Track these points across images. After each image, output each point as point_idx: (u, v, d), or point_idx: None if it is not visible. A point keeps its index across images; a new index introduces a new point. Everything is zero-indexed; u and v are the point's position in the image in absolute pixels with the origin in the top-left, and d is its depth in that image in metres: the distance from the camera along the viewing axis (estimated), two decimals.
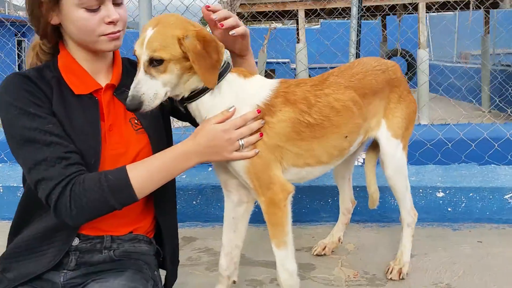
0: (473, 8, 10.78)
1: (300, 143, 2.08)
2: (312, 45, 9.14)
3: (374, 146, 2.66)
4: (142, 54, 1.75)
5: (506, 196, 3.39)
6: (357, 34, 5.50)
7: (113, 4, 1.77)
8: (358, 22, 5.45)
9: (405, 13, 11.46)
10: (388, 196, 3.47)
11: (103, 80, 1.90)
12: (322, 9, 10.14)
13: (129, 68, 1.98)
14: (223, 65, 1.91)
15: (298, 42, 10.73)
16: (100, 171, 1.71)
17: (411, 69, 12.55)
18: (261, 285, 2.70)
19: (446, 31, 15.96)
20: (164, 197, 1.99)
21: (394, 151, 2.52)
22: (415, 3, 10.20)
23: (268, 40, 11.48)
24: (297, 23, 11.43)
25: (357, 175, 3.23)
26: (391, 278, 2.70)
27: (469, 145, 3.68)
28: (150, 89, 1.74)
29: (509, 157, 3.66)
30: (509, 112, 4.46)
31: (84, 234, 1.84)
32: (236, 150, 1.89)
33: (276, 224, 2.06)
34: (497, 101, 5.96)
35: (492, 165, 3.63)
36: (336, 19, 14.04)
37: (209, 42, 1.78)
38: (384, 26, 14.02)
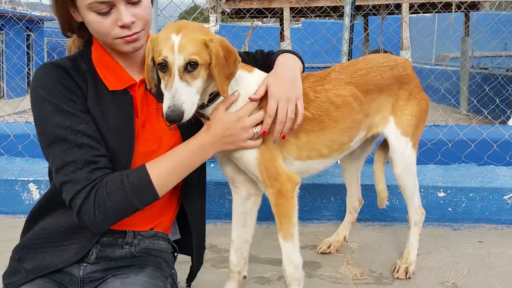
0: (454, 10, 10.91)
1: (299, 135, 2.10)
2: (294, 43, 9.15)
3: (384, 144, 2.67)
4: (176, 59, 1.64)
5: (506, 197, 3.44)
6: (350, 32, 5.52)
7: (129, 3, 1.68)
8: (350, 21, 5.48)
9: (385, 13, 11.54)
10: (390, 195, 3.47)
11: (137, 74, 1.85)
12: (306, 8, 10.14)
13: None
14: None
15: (281, 41, 10.71)
16: (121, 172, 1.66)
17: None
18: (268, 282, 2.70)
19: (425, 33, 16.15)
20: (191, 182, 1.96)
21: (403, 149, 2.52)
22: (398, 3, 10.27)
23: (249, 38, 11.46)
24: (280, 21, 11.42)
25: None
26: (397, 277, 2.72)
27: (468, 146, 3.71)
28: (189, 97, 1.65)
29: (507, 158, 3.70)
30: (486, 114, 4.58)
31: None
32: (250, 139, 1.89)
33: (284, 216, 2.07)
34: (475, 103, 6.08)
35: (491, 165, 3.68)
36: (319, 18, 14.10)
37: (230, 53, 1.76)
38: (366, 26, 14.12)
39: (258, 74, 2.04)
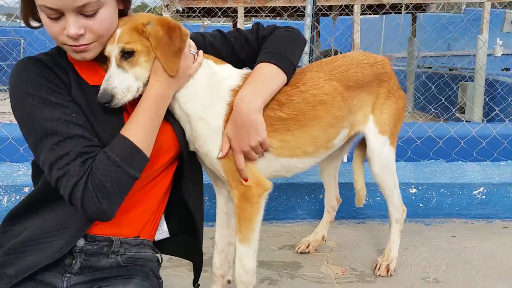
0: (403, 11, 11.17)
1: (273, 134, 2.04)
2: None
3: (363, 142, 2.65)
4: (113, 49, 1.66)
5: (475, 192, 3.51)
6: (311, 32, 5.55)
7: (81, 14, 1.56)
8: (312, 21, 5.50)
9: (336, 13, 11.69)
10: None
11: None
12: (261, 8, 10.13)
13: None
14: (196, 51, 1.85)
15: None
16: (102, 150, 1.58)
17: None
18: None
19: (372, 34, 16.51)
20: (192, 182, 1.91)
21: (381, 148, 2.51)
22: (350, 4, 10.41)
23: None
24: (233, 21, 11.37)
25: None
26: (379, 275, 2.72)
27: (436, 143, 3.77)
28: (122, 82, 1.65)
29: (474, 154, 3.78)
30: (431, 111, 4.70)
31: (91, 235, 1.71)
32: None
33: (244, 219, 2.01)
34: (420, 101, 6.24)
35: (460, 161, 3.75)
36: (269, 18, 14.15)
37: (173, 29, 1.71)
38: (317, 26, 14.24)
39: (226, 67, 1.99)
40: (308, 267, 2.86)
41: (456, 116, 8.93)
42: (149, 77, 1.70)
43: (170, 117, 1.82)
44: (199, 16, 11.16)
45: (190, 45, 1.82)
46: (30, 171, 3.29)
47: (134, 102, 1.72)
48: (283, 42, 2.02)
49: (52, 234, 1.66)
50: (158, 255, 1.93)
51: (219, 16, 11.99)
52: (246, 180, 1.94)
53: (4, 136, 3.57)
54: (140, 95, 1.70)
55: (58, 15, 1.54)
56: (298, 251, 3.01)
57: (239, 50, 2.05)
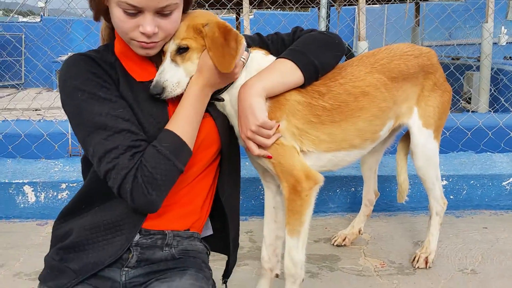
0: (406, 0, 11.14)
1: (320, 127, 2.06)
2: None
3: (407, 135, 2.68)
4: (170, 44, 1.73)
5: (504, 183, 3.54)
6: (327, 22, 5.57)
7: (158, 13, 1.62)
8: (327, 12, 5.52)
9: (341, 4, 11.65)
10: (394, 184, 3.53)
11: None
12: None
13: None
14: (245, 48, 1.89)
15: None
16: (151, 144, 1.62)
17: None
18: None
19: (375, 24, 16.49)
20: (228, 177, 1.93)
21: (424, 141, 2.53)
22: None
23: None
24: (238, 13, 11.36)
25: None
26: (418, 267, 2.76)
27: (464, 134, 3.80)
28: (174, 76, 1.71)
29: (502, 145, 3.81)
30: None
31: (145, 229, 1.75)
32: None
33: (294, 212, 2.03)
34: None
35: (488, 153, 3.78)
36: (269, 10, 14.14)
37: (229, 31, 1.76)
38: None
39: (272, 58, 2.00)
40: (346, 260, 2.90)
41: (462, 106, 8.96)
42: None
43: (213, 111, 1.84)
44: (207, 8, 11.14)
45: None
46: (66, 167, 3.36)
47: (178, 96, 1.76)
48: (310, 42, 2.03)
49: (110, 232, 1.71)
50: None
51: (223, 9, 11.95)
52: (270, 157, 1.94)
53: (38, 133, 3.60)
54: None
55: (136, 11, 1.59)
56: (335, 244, 3.06)
57: (275, 53, 2.07)
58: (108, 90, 1.63)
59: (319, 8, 13.36)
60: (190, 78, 1.75)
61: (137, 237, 1.74)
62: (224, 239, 2.01)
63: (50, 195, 3.34)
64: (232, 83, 1.88)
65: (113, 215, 1.70)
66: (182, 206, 1.80)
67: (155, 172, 1.57)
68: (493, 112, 5.05)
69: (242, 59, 1.83)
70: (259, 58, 1.96)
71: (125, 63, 1.73)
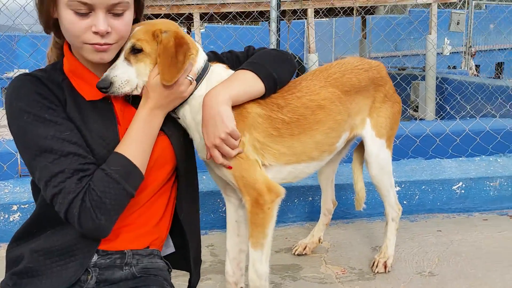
0: (355, 15, 11.45)
1: (280, 140, 2.10)
2: (205, 47, 9.12)
3: (361, 145, 2.74)
4: (127, 43, 1.73)
5: (454, 187, 3.67)
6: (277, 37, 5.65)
7: (110, 13, 1.61)
8: (277, 26, 5.60)
9: (291, 18, 11.85)
10: (350, 193, 3.59)
11: None
12: (216, 13, 10.16)
13: None
14: (205, 61, 1.92)
15: None
16: (100, 168, 1.59)
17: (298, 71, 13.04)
18: None
19: (324, 37, 16.83)
20: (185, 193, 1.91)
21: (378, 151, 2.61)
22: (304, 8, 10.57)
23: None
24: (189, 27, 11.36)
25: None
26: (377, 272, 2.81)
27: (413, 141, 3.91)
28: (124, 73, 1.71)
29: (450, 151, 3.95)
30: None
31: (103, 250, 1.72)
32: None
33: (257, 225, 2.05)
34: None
35: (437, 159, 3.91)
36: (220, 24, 14.22)
37: (182, 44, 1.76)
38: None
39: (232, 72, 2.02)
40: (308, 268, 2.93)
41: (410, 114, 9.24)
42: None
43: (167, 129, 1.81)
44: None
45: (191, 70, 1.83)
46: (17, 188, 3.25)
47: (126, 114, 1.75)
48: (266, 57, 2.06)
49: (64, 257, 1.66)
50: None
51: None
52: (230, 168, 1.95)
53: None
54: (138, 96, 1.75)
55: (88, 11, 1.57)
56: (296, 253, 3.08)
57: (231, 69, 2.09)
58: (55, 112, 1.58)
59: (269, 22, 13.54)
60: (141, 79, 1.73)
61: (94, 257, 1.70)
62: (185, 255, 1.99)
63: (1, 218, 3.23)
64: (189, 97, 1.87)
65: (66, 240, 1.65)
66: (139, 227, 1.78)
67: (104, 196, 1.54)
68: (440, 119, 5.24)
69: (189, 77, 1.79)
70: (220, 71, 1.97)
71: (74, 82, 1.69)
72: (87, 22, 1.58)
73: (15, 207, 3.22)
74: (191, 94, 1.86)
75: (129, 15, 1.67)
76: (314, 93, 2.22)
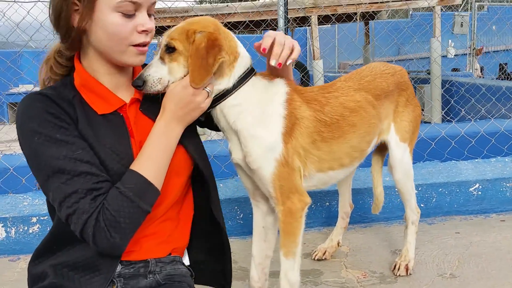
0: (359, 20, 11.48)
1: (322, 145, 2.10)
2: None
3: (380, 148, 2.75)
4: (163, 41, 1.77)
5: (471, 189, 3.66)
6: None
7: (148, 14, 1.67)
8: (285, 33, 5.61)
9: (294, 25, 11.88)
10: (366, 197, 3.60)
11: (125, 95, 1.77)
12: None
13: None
14: (247, 70, 1.89)
15: None
16: (114, 186, 1.59)
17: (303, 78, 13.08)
18: None
19: (327, 43, 16.87)
20: (216, 199, 1.91)
21: (402, 156, 2.61)
22: (308, 15, 10.60)
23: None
24: None
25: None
26: (399, 275, 2.81)
27: (429, 144, 3.92)
28: (157, 72, 1.73)
29: (465, 153, 3.95)
30: None
31: (126, 260, 1.73)
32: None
33: (289, 234, 2.06)
34: None
35: (453, 161, 3.91)
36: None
37: (213, 46, 1.74)
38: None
39: (276, 81, 1.99)
40: (328, 273, 2.92)
41: None
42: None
43: (183, 138, 1.77)
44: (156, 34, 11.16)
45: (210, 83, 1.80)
46: (36, 201, 3.27)
47: (139, 126, 1.74)
48: None
49: (88, 272, 1.67)
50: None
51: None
52: (279, 65, 1.88)
53: (5, 167, 3.50)
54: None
55: (134, 11, 1.61)
56: (316, 258, 3.08)
57: None
58: (67, 131, 1.58)
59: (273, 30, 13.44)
60: (173, 77, 1.73)
61: (118, 267, 1.70)
62: (223, 268, 1.98)
63: (21, 230, 3.24)
64: (225, 97, 1.86)
65: (88, 255, 1.65)
66: (160, 236, 1.78)
67: (117, 215, 1.53)
68: (447, 121, 5.24)
69: (207, 89, 1.75)
70: (261, 82, 1.97)
71: (86, 96, 1.68)
72: (133, 22, 1.61)
73: (34, 219, 3.23)
74: (224, 100, 1.86)
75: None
76: (350, 95, 2.24)
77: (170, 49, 1.74)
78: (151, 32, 1.67)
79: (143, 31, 1.63)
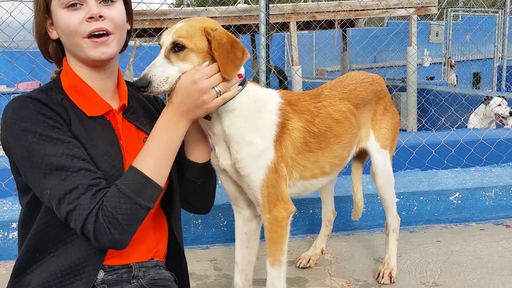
0: (336, 28, 11.57)
1: (308, 155, 2.14)
2: None
3: (360, 155, 2.77)
4: (167, 40, 1.70)
5: (451, 198, 3.72)
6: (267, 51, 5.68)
7: (101, 3, 1.64)
8: (266, 40, 5.63)
9: (273, 31, 11.91)
10: (349, 204, 3.62)
11: (111, 101, 1.78)
12: None
13: (132, 90, 1.88)
14: (242, 79, 1.88)
15: None
16: (112, 185, 1.59)
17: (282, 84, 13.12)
18: None
19: (304, 49, 16.94)
20: (177, 206, 1.93)
21: (383, 162, 2.65)
22: (287, 22, 10.64)
23: (133, 57, 11.21)
24: None
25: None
26: (383, 283, 2.83)
27: (409, 152, 3.96)
28: (163, 72, 1.67)
29: (445, 162, 4.01)
30: None
31: (109, 265, 1.73)
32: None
33: (275, 242, 2.07)
34: None
35: (434, 170, 3.96)
36: None
37: (237, 43, 1.75)
38: (254, 44, 14.42)
39: (266, 90, 2.04)
40: (313, 281, 2.93)
41: None
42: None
43: None
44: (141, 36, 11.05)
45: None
46: (16, 205, 3.20)
47: (125, 130, 1.76)
48: None
49: (69, 277, 1.66)
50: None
51: (152, 36, 11.85)
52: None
53: None
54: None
55: (80, 4, 1.61)
56: (300, 266, 3.08)
57: None
58: (60, 131, 1.58)
59: (252, 36, 13.61)
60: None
61: (101, 274, 1.70)
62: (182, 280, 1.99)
63: (0, 235, 3.18)
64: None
65: (72, 260, 1.65)
66: (142, 242, 1.79)
67: (115, 212, 1.54)
68: (422, 129, 5.31)
69: (217, 88, 1.71)
70: (256, 88, 1.98)
71: (74, 98, 1.69)
72: (79, 13, 1.61)
73: (14, 225, 3.17)
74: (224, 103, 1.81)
75: (120, 6, 1.70)
76: (335, 105, 2.27)
77: (178, 48, 1.69)
78: (104, 19, 1.63)
79: (89, 18, 1.61)
